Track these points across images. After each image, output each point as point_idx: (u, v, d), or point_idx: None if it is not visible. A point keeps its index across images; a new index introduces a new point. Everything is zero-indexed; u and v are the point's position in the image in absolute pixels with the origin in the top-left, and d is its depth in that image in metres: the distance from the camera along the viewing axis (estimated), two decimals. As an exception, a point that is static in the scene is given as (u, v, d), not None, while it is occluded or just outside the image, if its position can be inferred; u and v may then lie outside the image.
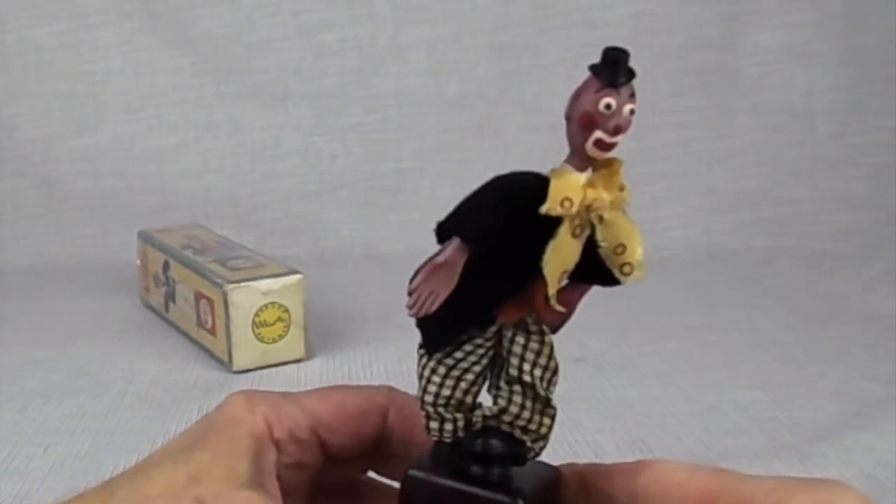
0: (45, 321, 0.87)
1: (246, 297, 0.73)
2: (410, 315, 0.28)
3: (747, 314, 0.86)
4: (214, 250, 0.82)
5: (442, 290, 0.28)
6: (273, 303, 0.73)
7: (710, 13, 1.13)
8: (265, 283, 0.74)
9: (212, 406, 0.35)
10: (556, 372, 0.31)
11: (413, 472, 0.31)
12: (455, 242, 0.28)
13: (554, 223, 0.28)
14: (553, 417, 0.31)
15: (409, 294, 0.28)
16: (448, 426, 0.31)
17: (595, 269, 0.29)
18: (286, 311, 0.74)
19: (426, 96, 1.11)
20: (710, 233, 1.10)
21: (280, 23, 1.13)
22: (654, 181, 1.12)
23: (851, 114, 1.13)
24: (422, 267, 0.28)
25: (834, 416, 0.64)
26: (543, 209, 0.28)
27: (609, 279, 0.30)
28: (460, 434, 0.31)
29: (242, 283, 0.73)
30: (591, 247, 0.29)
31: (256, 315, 0.73)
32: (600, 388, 0.69)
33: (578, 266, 0.29)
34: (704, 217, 1.11)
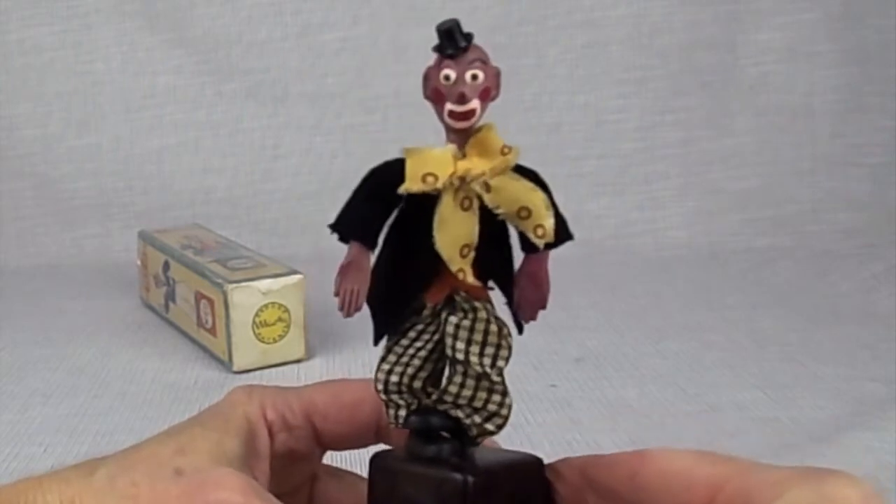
0: (45, 321, 0.87)
1: (246, 297, 0.73)
2: (343, 316, 0.30)
3: (748, 314, 0.86)
4: (215, 250, 0.82)
5: (359, 285, 0.30)
6: (273, 303, 0.73)
7: (711, 13, 1.13)
8: (265, 283, 0.74)
9: (212, 407, 0.35)
10: (499, 347, 0.30)
11: (374, 457, 0.32)
12: (351, 242, 0.30)
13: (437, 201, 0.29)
14: (503, 393, 0.30)
15: (336, 297, 0.30)
16: (402, 412, 0.31)
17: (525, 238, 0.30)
18: (286, 311, 0.74)
19: (426, 96, 1.11)
20: (710, 232, 1.10)
21: (280, 23, 1.13)
22: (655, 181, 1.12)
23: (852, 113, 1.13)
24: (337, 273, 0.30)
25: (834, 416, 0.64)
26: (402, 189, 0.29)
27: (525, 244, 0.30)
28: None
29: (243, 283, 0.73)
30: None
31: (257, 315, 0.73)
32: (600, 388, 0.69)
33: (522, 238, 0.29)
34: (705, 217, 1.11)
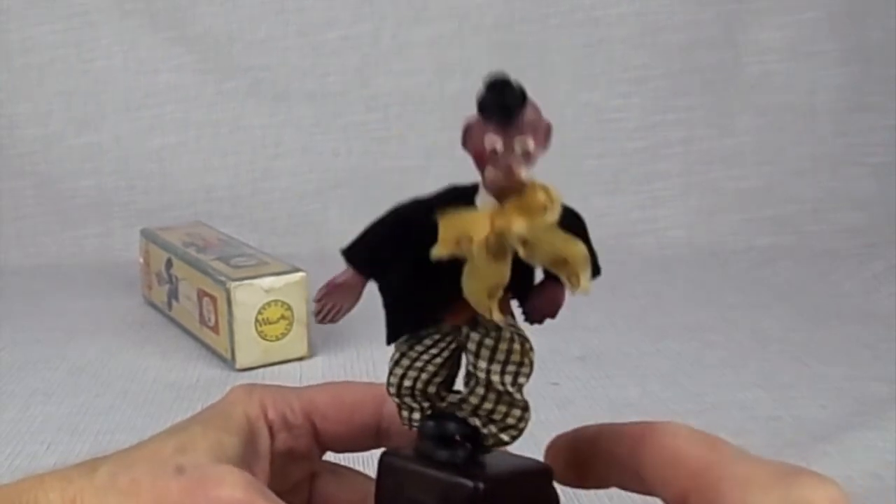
0: (46, 320, 0.87)
1: (249, 295, 0.73)
2: (318, 322, 0.30)
3: (749, 313, 0.86)
4: (217, 248, 0.82)
5: (345, 304, 0.30)
6: (276, 301, 0.73)
7: (712, 12, 1.13)
8: (268, 281, 0.74)
9: (214, 405, 0.35)
10: (521, 365, 0.30)
11: (384, 455, 0.32)
12: (352, 267, 0.29)
13: None
14: (523, 409, 0.30)
15: (316, 303, 0.30)
16: (416, 414, 0.32)
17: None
18: (289, 308, 0.74)
19: (428, 94, 1.11)
20: (711, 232, 1.10)
21: (281, 21, 1.13)
22: (656, 180, 1.12)
23: (854, 113, 1.13)
24: (326, 283, 0.30)
25: (836, 415, 0.64)
26: (434, 254, 0.27)
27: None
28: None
29: (245, 281, 0.73)
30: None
31: (259, 313, 0.73)
32: (602, 387, 0.69)
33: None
34: (706, 216, 1.11)
